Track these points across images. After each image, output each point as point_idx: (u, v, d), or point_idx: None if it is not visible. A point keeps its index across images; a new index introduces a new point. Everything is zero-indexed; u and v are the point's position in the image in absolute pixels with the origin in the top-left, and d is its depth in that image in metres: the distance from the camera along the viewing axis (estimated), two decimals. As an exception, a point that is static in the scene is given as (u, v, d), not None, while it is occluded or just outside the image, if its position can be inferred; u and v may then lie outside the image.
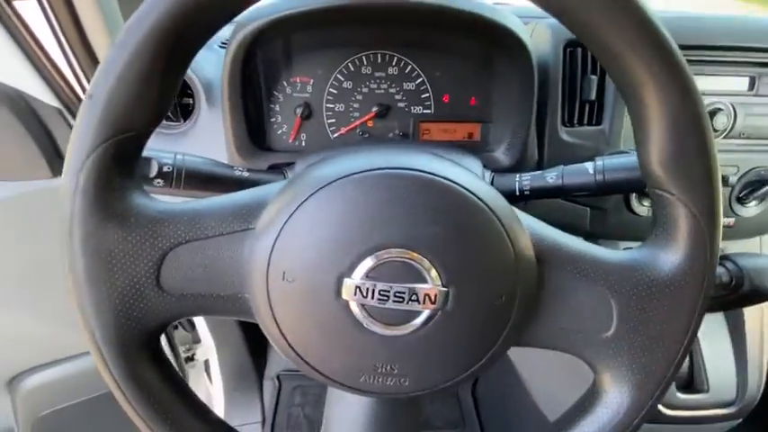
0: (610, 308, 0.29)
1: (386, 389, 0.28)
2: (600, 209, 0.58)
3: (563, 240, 0.30)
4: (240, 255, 0.28)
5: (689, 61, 0.26)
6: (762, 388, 0.62)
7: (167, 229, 0.28)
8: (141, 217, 0.27)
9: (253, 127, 0.53)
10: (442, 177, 0.27)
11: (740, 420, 0.62)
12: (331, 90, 0.55)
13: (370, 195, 0.26)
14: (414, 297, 0.26)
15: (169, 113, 0.57)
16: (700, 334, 0.63)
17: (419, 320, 0.27)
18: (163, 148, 0.41)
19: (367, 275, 0.26)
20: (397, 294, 0.26)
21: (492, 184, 0.46)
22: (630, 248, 0.31)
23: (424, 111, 0.56)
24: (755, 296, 0.49)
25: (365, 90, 0.55)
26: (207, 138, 0.55)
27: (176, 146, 0.57)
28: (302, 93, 0.55)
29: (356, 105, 0.55)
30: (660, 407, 0.59)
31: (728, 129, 0.58)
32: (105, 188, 0.26)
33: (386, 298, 0.26)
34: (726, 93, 0.57)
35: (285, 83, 0.55)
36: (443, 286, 0.26)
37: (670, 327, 0.29)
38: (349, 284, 0.26)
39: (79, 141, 0.25)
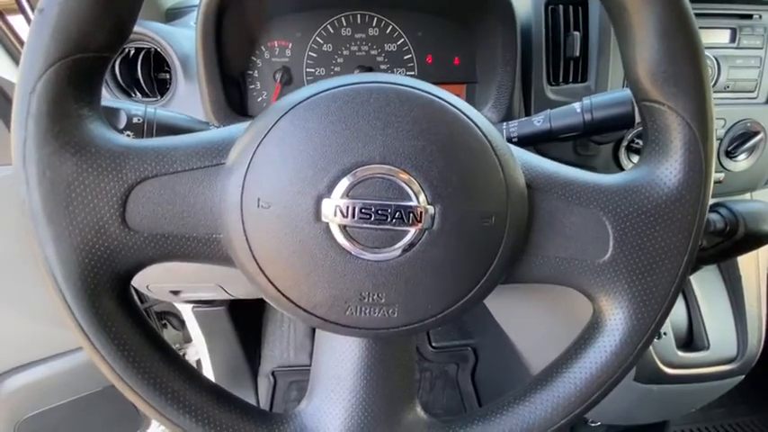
0: (605, 232, 0.28)
1: (373, 322, 0.26)
2: (590, 167, 0.57)
3: (554, 168, 0.29)
4: (212, 191, 0.26)
5: None
6: (761, 343, 0.61)
7: (133, 162, 0.26)
8: (103, 149, 0.25)
9: (231, 94, 0.52)
10: (423, 91, 0.26)
11: (742, 377, 0.61)
12: (310, 54, 0.53)
13: (346, 110, 0.25)
14: (398, 215, 0.25)
15: (145, 89, 0.56)
16: (697, 291, 0.63)
17: (405, 241, 0.25)
18: None
19: (347, 194, 0.25)
20: (380, 212, 0.24)
21: None
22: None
23: (408, 72, 0.55)
24: (750, 241, 0.48)
25: (346, 53, 0.53)
26: (184, 111, 0.54)
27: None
28: (281, 57, 0.53)
29: (337, 69, 0.54)
30: (661, 366, 0.58)
31: (713, 82, 0.57)
32: (61, 113, 0.24)
33: (368, 216, 0.24)
34: (708, 46, 0.57)
35: (263, 47, 0.53)
36: (429, 204, 0.25)
37: (669, 245, 0.28)
38: (328, 205, 0.25)
39: (30, 59, 0.23)
